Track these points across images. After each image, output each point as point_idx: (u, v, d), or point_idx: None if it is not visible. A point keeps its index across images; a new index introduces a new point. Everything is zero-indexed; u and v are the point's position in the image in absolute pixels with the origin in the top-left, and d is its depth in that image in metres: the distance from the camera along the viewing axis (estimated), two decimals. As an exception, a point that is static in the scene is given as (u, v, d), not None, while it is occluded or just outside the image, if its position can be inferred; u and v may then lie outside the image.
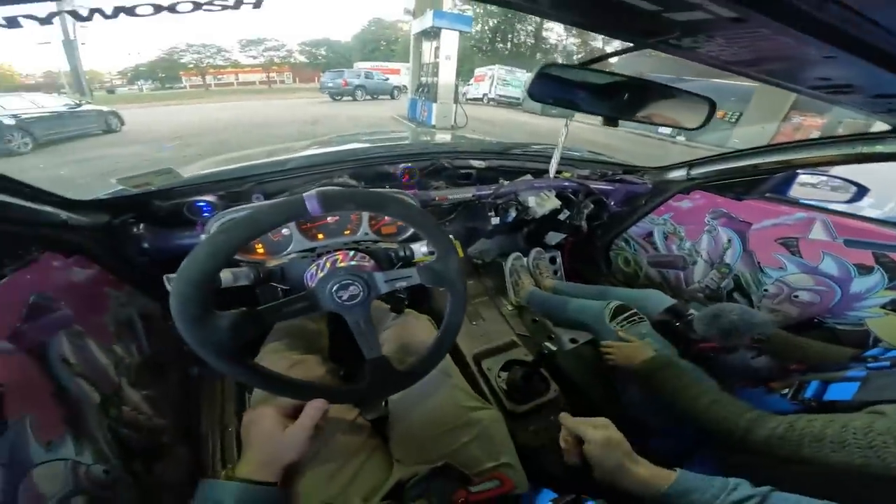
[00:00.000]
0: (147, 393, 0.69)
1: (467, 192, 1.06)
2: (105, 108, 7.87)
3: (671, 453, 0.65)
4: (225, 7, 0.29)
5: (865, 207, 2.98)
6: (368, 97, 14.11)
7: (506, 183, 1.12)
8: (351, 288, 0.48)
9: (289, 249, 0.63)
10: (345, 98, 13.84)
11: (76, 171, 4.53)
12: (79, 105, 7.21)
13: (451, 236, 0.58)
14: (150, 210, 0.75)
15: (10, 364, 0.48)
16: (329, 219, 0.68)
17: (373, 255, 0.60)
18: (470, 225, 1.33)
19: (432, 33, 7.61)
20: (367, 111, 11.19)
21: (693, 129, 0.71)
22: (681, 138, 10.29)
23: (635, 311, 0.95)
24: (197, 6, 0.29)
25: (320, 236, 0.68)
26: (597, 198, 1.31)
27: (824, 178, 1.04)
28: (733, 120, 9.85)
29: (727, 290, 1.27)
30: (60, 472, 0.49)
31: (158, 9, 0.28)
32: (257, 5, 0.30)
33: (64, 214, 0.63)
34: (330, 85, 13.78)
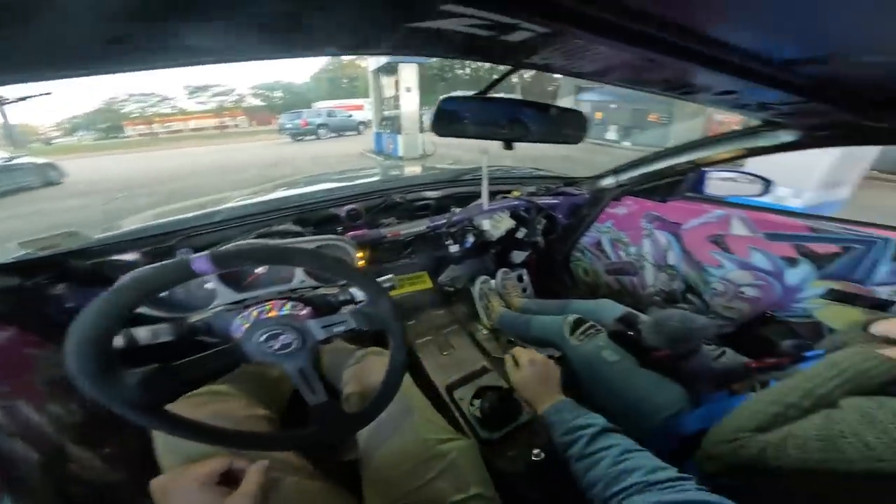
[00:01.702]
0: (100, 450, 0.69)
1: (421, 225, 1.08)
2: (41, 161, 7.65)
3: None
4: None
5: (789, 198, 3.32)
6: (333, 135, 14.36)
7: (457, 210, 1.15)
8: (282, 337, 0.49)
9: (214, 303, 0.64)
10: (307, 138, 13.97)
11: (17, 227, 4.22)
12: (12, 159, 7.09)
13: (392, 275, 0.62)
14: (70, 269, 0.74)
15: None
16: (258, 270, 0.68)
17: (310, 302, 0.60)
18: (436, 255, 1.35)
19: (390, 68, 8.00)
20: (332, 149, 11.23)
21: (575, 143, 0.74)
22: (627, 143, 11.15)
23: (592, 323, 0.94)
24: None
25: (251, 288, 0.68)
26: (547, 213, 1.36)
27: (735, 174, 1.10)
28: (665, 122, 10.81)
29: (680, 291, 1.27)
30: None
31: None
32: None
33: None
34: (289, 126, 13.90)
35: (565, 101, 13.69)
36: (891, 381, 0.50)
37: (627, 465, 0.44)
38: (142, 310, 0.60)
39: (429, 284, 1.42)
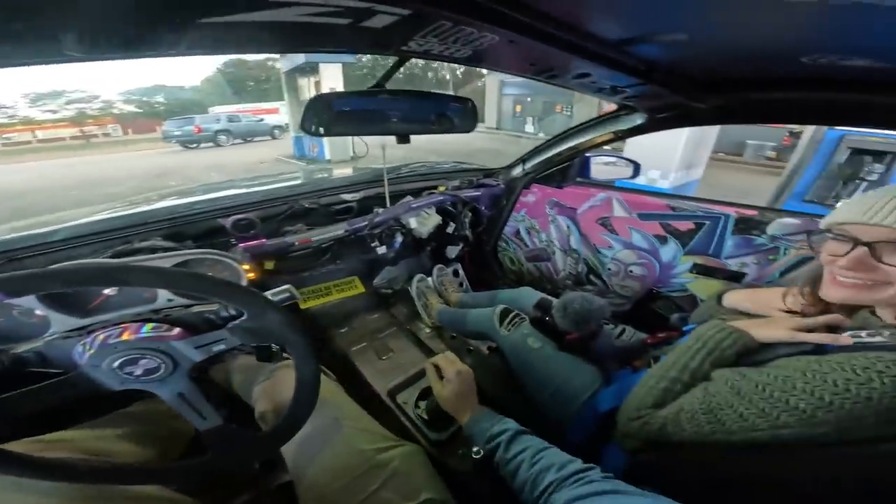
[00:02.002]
0: None
1: (338, 229, 1.03)
2: None
3: (587, 443, 0.68)
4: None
5: (658, 180, 4.03)
6: (239, 141, 13.27)
7: (380, 211, 1.13)
8: (143, 362, 0.46)
9: (49, 332, 0.56)
10: (204, 145, 12.58)
11: None
12: None
13: (289, 286, 0.60)
14: None
15: None
16: (107, 291, 0.61)
17: (181, 321, 0.56)
18: (364, 258, 1.29)
19: (308, 68, 7.43)
20: (238, 156, 10.27)
21: (467, 132, 0.77)
22: (542, 134, 11.91)
23: (517, 311, 0.94)
24: None
25: (98, 312, 0.60)
26: (472, 206, 1.41)
27: (613, 158, 1.23)
28: (568, 113, 11.85)
29: (584, 273, 1.33)
30: None
31: None
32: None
33: None
34: (177, 133, 12.35)
35: (492, 95, 14.33)
36: (742, 351, 0.53)
37: (542, 463, 0.49)
38: None
39: (361, 289, 1.37)
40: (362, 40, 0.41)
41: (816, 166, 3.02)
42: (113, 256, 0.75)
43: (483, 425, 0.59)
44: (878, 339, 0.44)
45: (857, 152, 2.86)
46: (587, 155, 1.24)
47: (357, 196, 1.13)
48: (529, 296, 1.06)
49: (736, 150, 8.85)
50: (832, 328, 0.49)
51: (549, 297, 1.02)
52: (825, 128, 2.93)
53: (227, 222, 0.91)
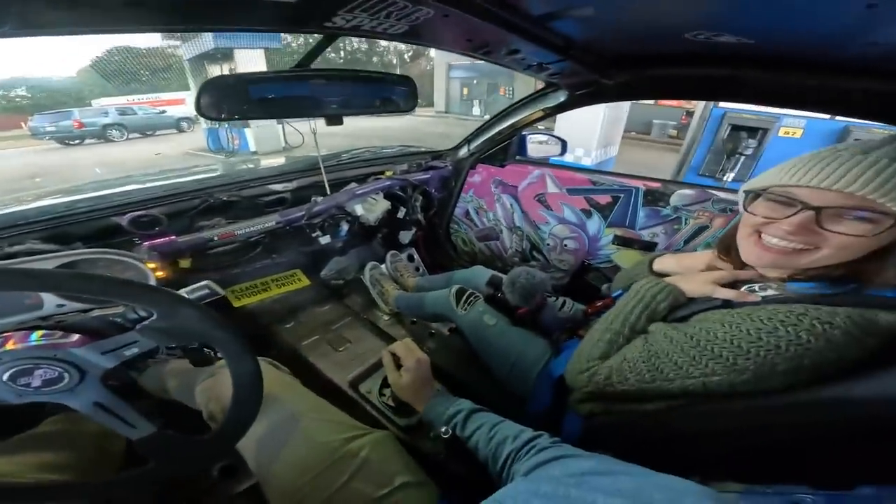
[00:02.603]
0: None
1: (268, 220, 0.96)
2: None
3: (546, 414, 0.70)
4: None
5: (582, 157, 4.43)
6: (137, 135, 11.94)
7: (319, 200, 1.07)
8: (40, 372, 0.43)
9: None
10: (90, 141, 10.96)
11: None
12: None
13: (208, 281, 0.58)
14: None
15: None
16: None
17: (79, 327, 0.52)
18: (305, 250, 1.22)
19: (219, 55, 6.55)
20: (135, 151, 9.06)
21: (407, 112, 0.77)
22: (487, 116, 12.37)
23: (472, 290, 0.96)
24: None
25: None
26: (422, 189, 1.39)
27: (545, 136, 1.29)
28: (510, 95, 12.22)
29: (528, 250, 1.36)
30: None
31: None
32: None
33: None
34: (50, 129, 10.58)
35: (440, 79, 14.15)
36: (673, 305, 0.56)
37: (498, 437, 0.51)
38: None
39: (305, 282, 1.30)
40: (272, 17, 0.38)
41: (706, 142, 3.40)
42: None
43: (438, 409, 0.61)
44: (769, 292, 0.48)
45: (736, 128, 3.18)
46: (524, 133, 1.28)
47: (290, 186, 1.06)
48: (482, 274, 1.09)
49: (644, 129, 9.81)
50: (734, 284, 0.53)
51: (499, 274, 1.04)
52: (712, 106, 3.26)
53: (124, 220, 0.82)
